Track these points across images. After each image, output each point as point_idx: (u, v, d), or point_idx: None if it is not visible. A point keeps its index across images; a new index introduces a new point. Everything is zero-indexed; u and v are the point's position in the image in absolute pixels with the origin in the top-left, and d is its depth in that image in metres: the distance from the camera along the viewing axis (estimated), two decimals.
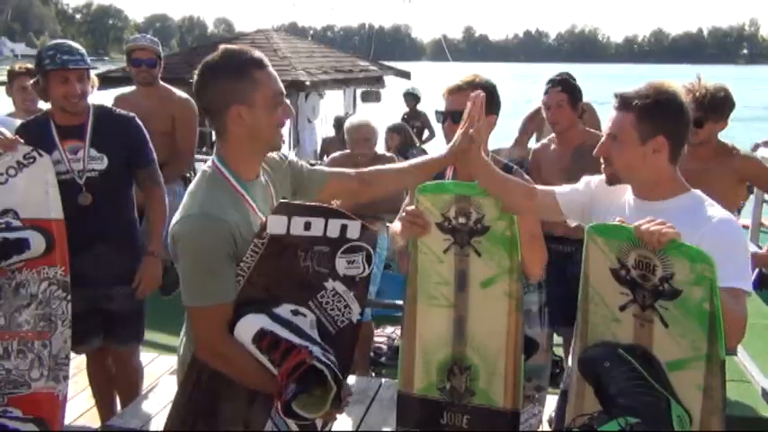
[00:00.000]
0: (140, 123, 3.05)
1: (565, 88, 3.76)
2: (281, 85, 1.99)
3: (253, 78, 1.89)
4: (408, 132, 7.35)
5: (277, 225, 2.04)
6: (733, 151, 3.26)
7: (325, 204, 2.14)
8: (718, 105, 3.13)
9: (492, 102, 2.46)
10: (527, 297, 2.56)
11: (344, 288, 2.12)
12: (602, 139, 2.09)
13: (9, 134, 2.78)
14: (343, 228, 2.12)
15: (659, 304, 1.83)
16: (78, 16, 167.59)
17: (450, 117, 2.50)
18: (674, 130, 2.01)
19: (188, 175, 4.55)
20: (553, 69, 5.92)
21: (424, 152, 6.94)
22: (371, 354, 4.87)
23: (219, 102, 1.88)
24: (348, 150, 4.40)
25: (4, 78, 4.46)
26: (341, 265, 2.12)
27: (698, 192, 2.07)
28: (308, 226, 2.09)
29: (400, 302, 2.59)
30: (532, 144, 5.78)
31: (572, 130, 3.79)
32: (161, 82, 4.31)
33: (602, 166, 2.11)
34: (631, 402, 1.79)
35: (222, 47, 1.94)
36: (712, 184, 2.76)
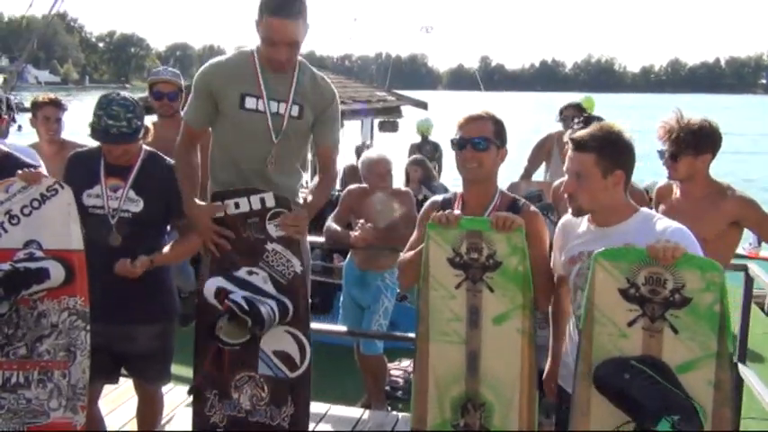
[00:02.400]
0: None
1: (587, 126, 3.73)
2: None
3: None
4: (428, 165, 7.42)
5: (217, 209, 2.87)
6: (727, 191, 3.13)
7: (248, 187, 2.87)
8: (693, 139, 3.06)
9: (501, 134, 2.57)
10: (540, 332, 2.58)
11: (282, 247, 2.84)
12: (566, 178, 2.33)
13: (38, 158, 2.79)
14: (262, 200, 2.84)
15: (669, 313, 2.01)
16: (101, 45, 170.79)
17: (468, 144, 2.55)
18: (627, 162, 2.32)
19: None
20: (569, 98, 5.94)
21: (445, 187, 7.00)
22: (387, 388, 4.83)
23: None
24: (365, 185, 4.43)
25: (28, 104, 4.54)
26: (271, 229, 2.84)
27: (645, 209, 2.36)
28: (237, 205, 2.86)
29: (411, 335, 2.62)
30: (540, 174, 5.81)
31: None
32: (181, 112, 4.39)
33: (568, 201, 2.34)
34: (664, 404, 1.94)
35: None
36: (702, 227, 2.75)
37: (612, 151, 2.28)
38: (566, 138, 2.47)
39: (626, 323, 2.05)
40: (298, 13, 2.77)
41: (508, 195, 2.65)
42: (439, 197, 2.80)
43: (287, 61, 2.87)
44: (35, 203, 2.83)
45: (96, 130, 2.82)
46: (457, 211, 2.50)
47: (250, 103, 2.93)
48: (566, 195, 2.37)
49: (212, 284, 2.83)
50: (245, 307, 2.66)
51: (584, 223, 2.40)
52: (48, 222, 2.83)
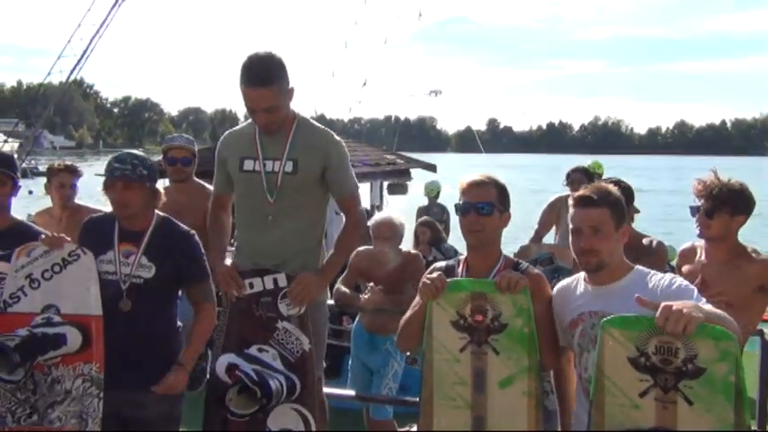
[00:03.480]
0: (198, 241, 3.09)
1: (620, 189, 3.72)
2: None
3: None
4: (437, 227, 7.47)
5: (236, 277, 2.99)
6: (752, 254, 3.07)
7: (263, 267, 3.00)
8: (732, 197, 3.03)
9: (504, 199, 2.62)
10: (552, 396, 2.58)
11: (292, 325, 2.95)
12: (582, 235, 2.35)
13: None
14: (275, 280, 2.97)
15: (683, 384, 1.93)
16: (116, 110, 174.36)
17: (472, 210, 2.58)
18: (626, 217, 2.42)
19: None
20: (577, 160, 6.01)
21: (454, 249, 7.03)
22: None
23: None
24: (372, 247, 4.48)
25: (43, 169, 4.67)
26: (283, 308, 2.96)
27: (639, 266, 2.39)
28: (251, 285, 2.99)
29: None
30: (551, 237, 5.83)
31: None
32: (194, 177, 4.49)
33: (585, 259, 2.35)
34: None
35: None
36: (728, 291, 2.75)
37: (621, 207, 2.39)
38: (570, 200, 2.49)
39: (638, 394, 1.99)
40: (271, 81, 2.91)
41: (511, 259, 2.68)
42: (442, 264, 2.81)
43: (269, 125, 3.02)
44: (56, 268, 2.88)
45: (105, 175, 2.94)
46: (438, 274, 2.52)
47: (248, 164, 3.10)
48: (574, 254, 2.41)
49: (224, 360, 2.95)
50: (255, 378, 2.74)
51: (580, 285, 2.43)
52: (68, 287, 2.87)
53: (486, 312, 2.37)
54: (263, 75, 2.92)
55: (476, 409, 2.37)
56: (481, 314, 2.38)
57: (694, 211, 3.12)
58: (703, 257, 3.19)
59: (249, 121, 3.18)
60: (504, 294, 2.37)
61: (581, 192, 2.40)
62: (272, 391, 2.74)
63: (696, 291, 2.22)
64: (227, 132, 3.33)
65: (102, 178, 2.98)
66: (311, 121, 3.21)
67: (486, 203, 2.56)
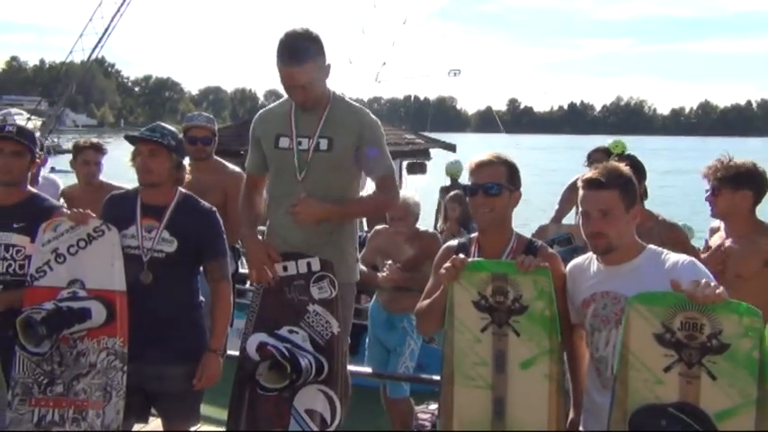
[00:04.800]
0: (219, 218, 3.13)
1: (630, 165, 3.72)
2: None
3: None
4: (468, 204, 7.43)
5: (270, 251, 3.04)
6: None
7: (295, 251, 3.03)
8: (732, 175, 3.20)
9: (515, 178, 2.61)
10: (602, 399, 2.38)
11: (322, 309, 3.00)
12: (592, 217, 2.34)
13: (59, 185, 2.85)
14: (309, 264, 3.03)
15: (707, 359, 1.95)
16: (137, 89, 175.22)
17: (480, 190, 2.58)
18: (637, 197, 2.39)
19: (237, 245, 4.68)
20: (598, 141, 5.95)
21: None
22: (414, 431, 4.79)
23: None
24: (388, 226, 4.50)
25: (68, 147, 4.75)
26: (314, 291, 3.02)
27: (652, 246, 2.38)
28: (285, 268, 3.06)
29: (438, 378, 2.62)
30: (571, 217, 5.80)
31: None
32: (214, 156, 4.52)
33: (594, 242, 2.35)
34: None
35: None
36: (738, 264, 2.79)
37: (632, 187, 2.37)
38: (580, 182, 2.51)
39: (662, 369, 2.01)
40: (305, 58, 2.91)
41: (524, 238, 2.67)
42: (454, 242, 2.82)
43: (305, 102, 3.01)
44: (81, 243, 2.94)
45: (134, 142, 3.00)
46: (461, 256, 2.50)
47: (283, 142, 3.10)
48: (585, 235, 2.39)
49: (255, 340, 3.00)
50: (286, 354, 2.80)
51: (593, 264, 2.43)
52: (92, 262, 2.92)
53: (507, 294, 2.36)
54: (299, 52, 2.91)
55: (496, 389, 2.37)
56: (502, 295, 2.37)
57: (705, 193, 3.34)
58: (723, 233, 3.35)
59: (284, 98, 3.19)
60: (526, 276, 2.35)
61: (590, 173, 2.38)
62: (302, 367, 2.80)
63: (711, 274, 2.21)
64: (263, 110, 3.32)
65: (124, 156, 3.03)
66: (347, 99, 3.20)
67: (495, 184, 2.56)
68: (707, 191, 3.33)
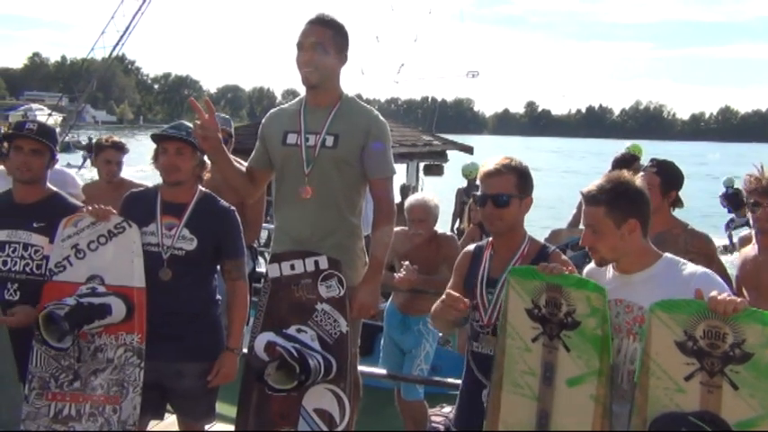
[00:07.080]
0: (238, 217, 3.14)
1: (659, 171, 3.56)
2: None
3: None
4: None
5: (273, 271, 3.08)
6: None
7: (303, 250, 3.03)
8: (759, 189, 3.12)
9: (526, 184, 2.59)
10: (616, 407, 2.29)
11: (330, 307, 2.98)
12: (584, 231, 2.34)
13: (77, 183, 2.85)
14: (316, 263, 3.01)
15: (729, 369, 1.92)
16: (156, 86, 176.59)
17: (489, 201, 2.57)
18: (640, 210, 2.31)
19: (254, 244, 4.69)
20: (617, 145, 5.88)
21: None
22: None
23: None
24: (407, 228, 4.49)
25: (84, 141, 4.77)
26: (322, 290, 3.00)
27: (669, 255, 2.33)
28: (293, 267, 3.03)
29: (452, 380, 2.60)
30: None
31: (656, 215, 3.75)
32: (231, 155, 4.54)
33: (591, 254, 2.36)
34: None
35: None
36: (762, 279, 2.74)
37: (623, 202, 2.29)
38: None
39: (683, 377, 1.98)
40: (329, 25, 3.01)
41: (537, 243, 2.66)
42: (472, 246, 2.83)
43: (309, 75, 3.01)
44: (102, 239, 2.95)
45: (158, 141, 3.03)
46: (457, 295, 2.52)
47: (291, 138, 3.12)
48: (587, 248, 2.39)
49: (263, 339, 2.97)
50: (295, 354, 2.79)
51: (609, 271, 2.40)
52: (112, 258, 2.94)
53: (561, 306, 2.31)
54: (327, 18, 3.04)
55: (542, 401, 2.32)
56: (555, 307, 2.33)
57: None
58: (756, 244, 3.29)
59: (297, 99, 3.22)
60: (580, 291, 2.28)
61: (587, 187, 2.35)
62: (310, 368, 2.79)
63: (726, 286, 2.19)
64: (274, 109, 3.35)
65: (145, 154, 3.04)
66: (358, 100, 3.21)
67: (503, 194, 2.55)
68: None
